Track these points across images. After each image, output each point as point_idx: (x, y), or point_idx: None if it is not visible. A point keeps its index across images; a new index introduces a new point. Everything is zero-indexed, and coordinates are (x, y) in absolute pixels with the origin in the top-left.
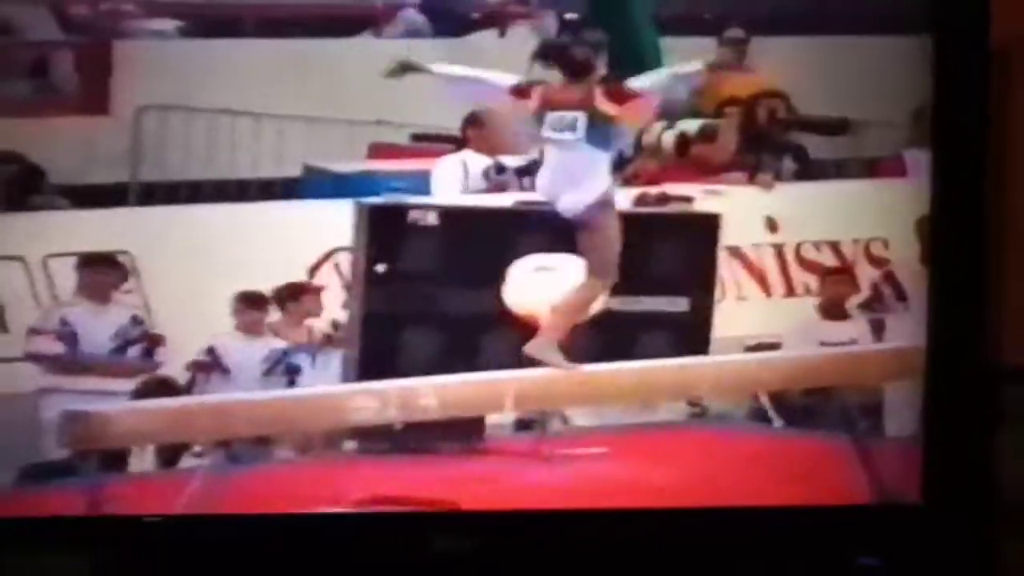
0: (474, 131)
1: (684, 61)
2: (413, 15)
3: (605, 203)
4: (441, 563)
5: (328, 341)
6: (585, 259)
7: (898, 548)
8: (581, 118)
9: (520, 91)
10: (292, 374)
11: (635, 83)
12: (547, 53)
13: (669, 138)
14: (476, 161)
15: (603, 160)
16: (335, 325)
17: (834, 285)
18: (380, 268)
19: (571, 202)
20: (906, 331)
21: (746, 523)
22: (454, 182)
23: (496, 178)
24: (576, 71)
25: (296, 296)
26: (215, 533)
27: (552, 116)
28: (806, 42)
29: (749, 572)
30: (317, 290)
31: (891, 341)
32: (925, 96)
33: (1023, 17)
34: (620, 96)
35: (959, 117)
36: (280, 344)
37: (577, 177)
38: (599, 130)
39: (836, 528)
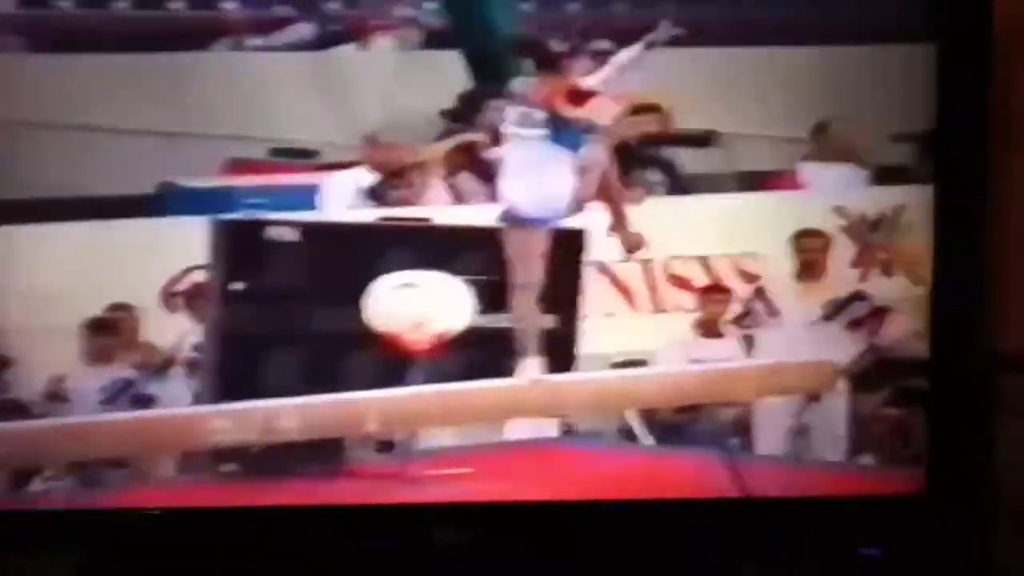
0: (367, 149)
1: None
2: (304, 27)
3: (576, 208)
4: (441, 555)
5: (170, 364)
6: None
7: (898, 539)
8: (543, 115)
9: None
10: (139, 403)
11: (586, 82)
12: (522, 47)
13: None
14: (367, 179)
15: (568, 161)
16: (182, 347)
17: (710, 303)
18: (237, 286)
19: (543, 208)
20: (778, 346)
21: (745, 515)
22: (343, 198)
23: (388, 192)
24: (545, 65)
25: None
26: (210, 528)
27: (517, 111)
28: (684, 54)
29: (749, 564)
30: (169, 308)
31: (763, 357)
32: (828, 111)
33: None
34: (577, 97)
35: (959, 110)
36: (125, 372)
37: (545, 179)
38: (563, 131)
39: (835, 519)
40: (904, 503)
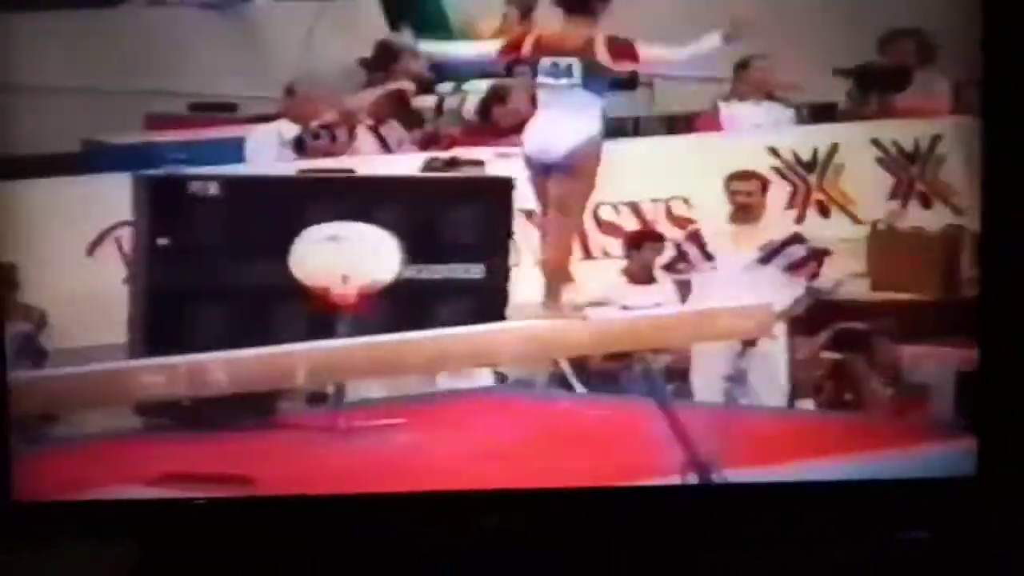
0: (288, 101)
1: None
2: None
3: (591, 146)
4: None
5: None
6: (558, 203)
7: (946, 521)
8: (576, 63)
9: (508, 49)
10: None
11: (650, 50)
12: None
13: (472, 103)
14: (290, 129)
15: (596, 104)
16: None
17: (641, 249)
18: (162, 241)
19: (557, 145)
20: (713, 291)
21: (795, 495)
22: (268, 151)
23: (313, 143)
24: (576, 8)
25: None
26: (259, 515)
27: (546, 62)
28: None
29: (799, 545)
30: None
31: (697, 302)
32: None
33: None
34: (622, 53)
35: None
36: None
37: (568, 122)
38: (594, 77)
39: (884, 500)
40: (955, 484)
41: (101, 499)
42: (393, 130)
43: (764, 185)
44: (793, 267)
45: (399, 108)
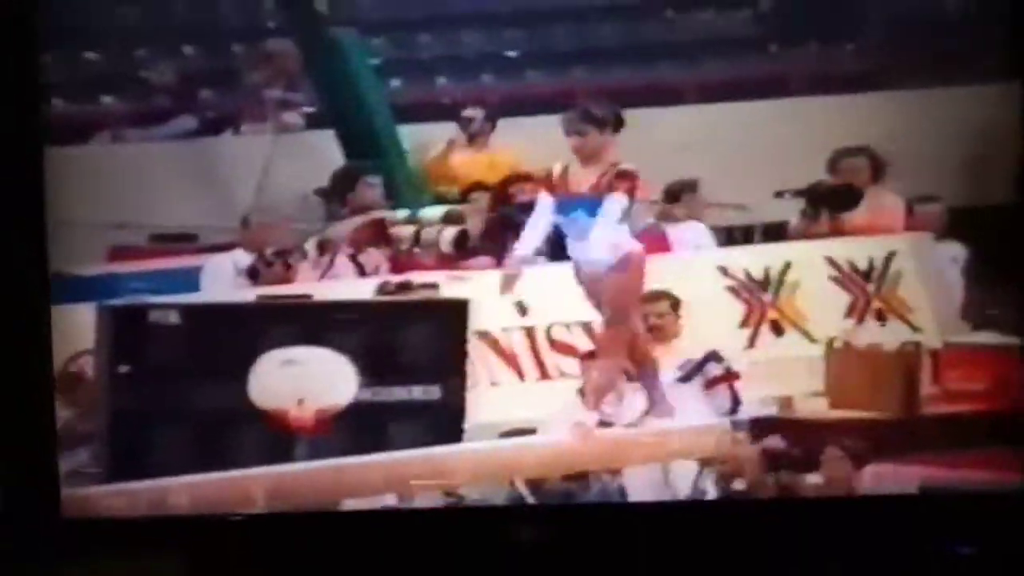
0: (243, 231)
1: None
2: (188, 120)
3: (629, 258)
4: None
5: None
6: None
7: (994, 536)
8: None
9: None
10: None
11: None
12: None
13: (448, 234)
14: (244, 259)
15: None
16: None
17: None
18: (123, 369)
19: (597, 258)
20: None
21: (843, 511)
22: (224, 279)
23: (267, 271)
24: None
25: None
26: (298, 529)
27: (566, 201)
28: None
29: (847, 559)
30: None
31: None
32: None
33: None
34: (631, 179)
35: None
36: None
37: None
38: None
39: (932, 515)
40: (1001, 498)
41: (146, 516)
42: (371, 257)
43: (675, 304)
44: (711, 383)
45: (378, 236)
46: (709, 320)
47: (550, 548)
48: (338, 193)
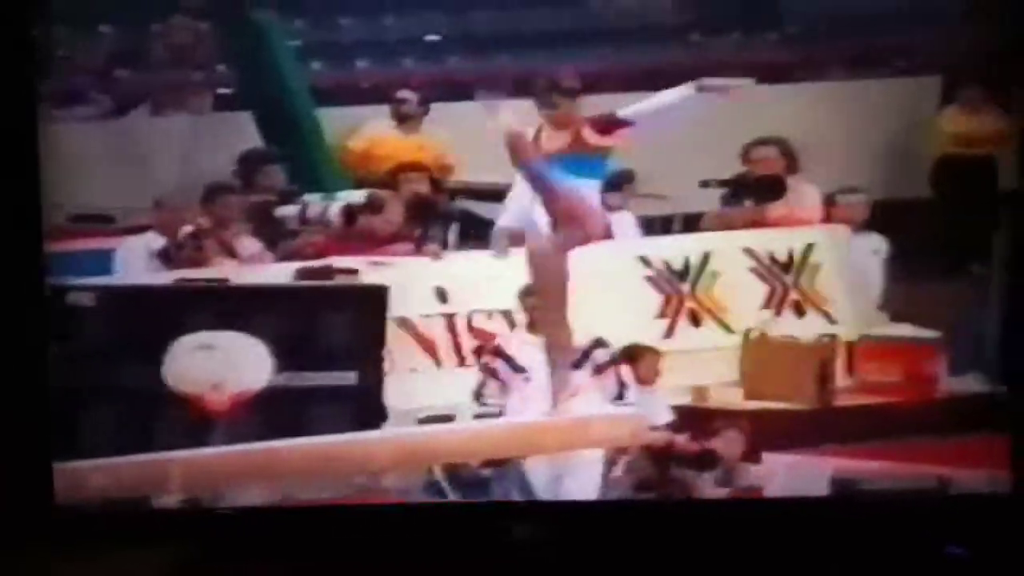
0: (157, 213)
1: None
2: (106, 100)
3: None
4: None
5: None
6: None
7: (986, 538)
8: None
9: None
10: None
11: (623, 112)
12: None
13: (335, 209)
14: (157, 241)
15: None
16: None
17: None
18: (54, 349)
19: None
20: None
21: (835, 512)
22: (137, 261)
23: (179, 254)
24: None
25: None
26: (290, 523)
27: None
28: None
29: (837, 561)
30: None
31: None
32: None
33: None
34: (607, 126)
35: None
36: None
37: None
38: (589, 162)
39: (923, 517)
40: (991, 502)
41: (140, 508)
42: (251, 242)
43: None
44: (600, 369)
45: (260, 220)
46: (627, 310)
47: (543, 548)
48: (241, 177)
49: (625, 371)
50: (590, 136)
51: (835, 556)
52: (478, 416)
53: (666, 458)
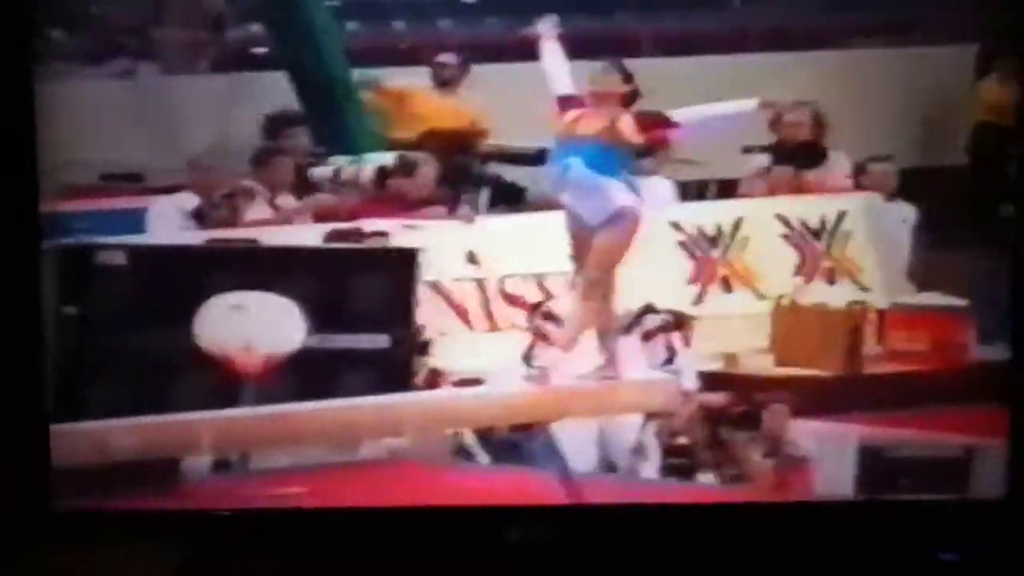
0: (192, 173)
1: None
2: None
3: (624, 215)
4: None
5: None
6: (587, 264)
7: (979, 543)
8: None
9: (564, 102)
10: None
11: (677, 114)
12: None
13: (367, 171)
14: (191, 201)
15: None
16: None
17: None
18: (69, 310)
19: (593, 209)
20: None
21: (825, 516)
22: (170, 221)
23: (214, 214)
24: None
25: None
26: (287, 528)
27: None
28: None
29: (828, 565)
30: None
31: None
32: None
33: None
34: (650, 124)
35: None
36: None
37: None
38: (614, 156)
39: (916, 522)
40: (984, 507)
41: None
42: (289, 201)
43: None
44: (649, 335)
45: (296, 180)
46: (657, 276)
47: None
48: (270, 137)
49: (675, 337)
50: (626, 128)
51: (828, 561)
52: (527, 378)
53: (714, 420)
